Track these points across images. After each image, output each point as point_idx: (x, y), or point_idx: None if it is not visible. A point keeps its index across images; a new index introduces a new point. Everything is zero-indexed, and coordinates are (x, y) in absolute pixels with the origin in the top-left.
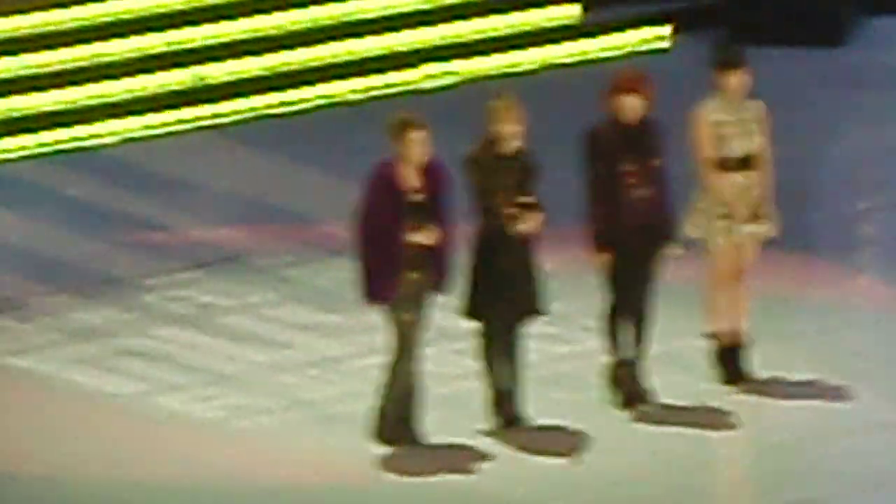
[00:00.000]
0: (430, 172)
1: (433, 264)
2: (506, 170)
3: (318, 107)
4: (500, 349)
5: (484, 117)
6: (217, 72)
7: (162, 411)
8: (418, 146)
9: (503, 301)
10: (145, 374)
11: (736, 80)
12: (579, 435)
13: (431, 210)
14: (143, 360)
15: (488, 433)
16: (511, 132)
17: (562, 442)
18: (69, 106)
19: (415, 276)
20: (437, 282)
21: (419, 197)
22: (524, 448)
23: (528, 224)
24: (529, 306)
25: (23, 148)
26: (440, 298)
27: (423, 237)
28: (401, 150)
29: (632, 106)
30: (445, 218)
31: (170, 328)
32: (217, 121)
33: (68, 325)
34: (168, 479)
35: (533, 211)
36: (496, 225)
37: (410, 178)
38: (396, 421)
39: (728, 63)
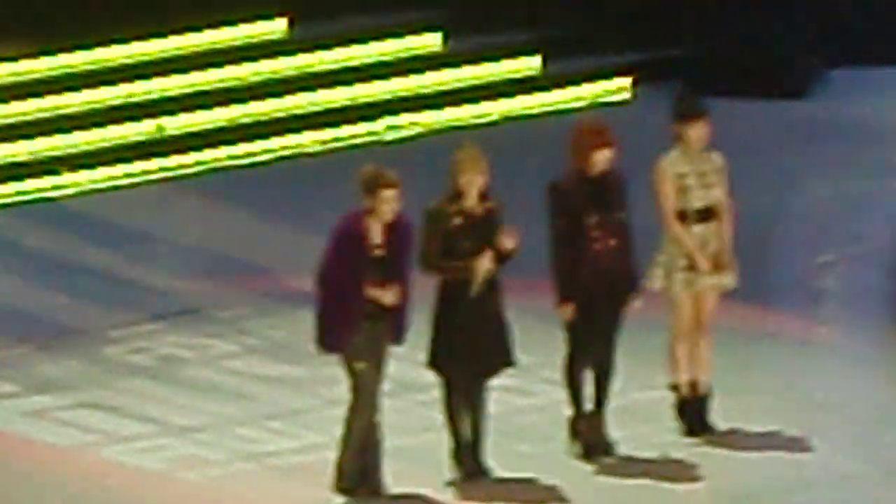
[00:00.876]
0: (396, 228)
1: (389, 315)
2: (470, 223)
3: (280, 158)
4: (463, 401)
5: (447, 169)
6: (178, 123)
7: (112, 462)
8: (389, 203)
9: (467, 353)
10: (100, 425)
11: (696, 131)
12: (542, 487)
13: (392, 265)
14: (100, 411)
15: (451, 485)
16: (475, 185)
17: (524, 494)
18: (30, 157)
19: (369, 325)
20: (393, 333)
21: (381, 252)
22: (486, 500)
23: (484, 270)
24: (494, 359)
25: None
26: (403, 350)
27: (386, 296)
28: (371, 204)
29: (604, 159)
30: (405, 272)
31: (129, 380)
32: (179, 172)
33: (27, 378)
34: None
35: (497, 262)
36: (460, 278)
37: (376, 234)
38: (356, 471)
39: (688, 114)
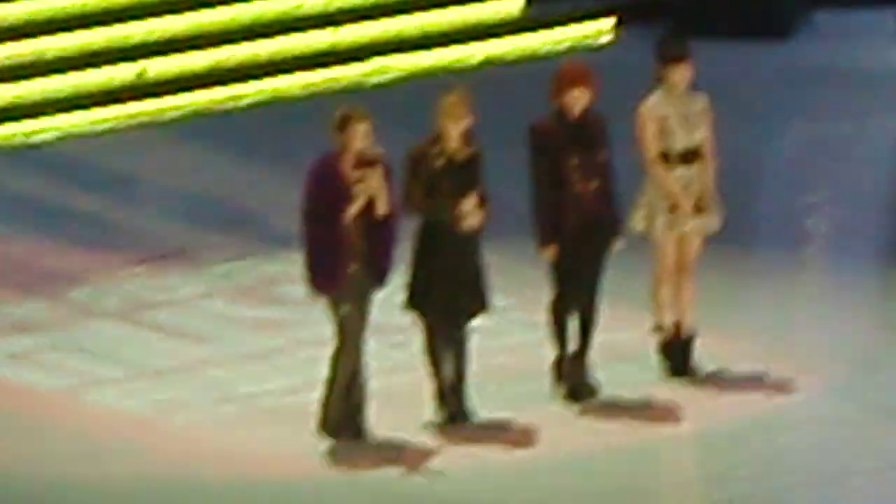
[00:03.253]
0: (373, 164)
1: (373, 257)
2: (452, 165)
3: (262, 102)
4: (444, 343)
5: (431, 113)
6: (161, 66)
7: (96, 406)
8: (360, 138)
9: (448, 295)
10: (81, 368)
11: (679, 73)
12: (525, 428)
13: (372, 202)
14: (80, 354)
15: (433, 427)
16: (458, 128)
17: (507, 436)
18: (10, 101)
19: (355, 268)
20: (377, 275)
21: (360, 188)
22: (470, 442)
23: (474, 220)
24: (475, 301)
25: None
26: (380, 292)
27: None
28: (343, 141)
29: (578, 99)
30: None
31: (106, 322)
32: (161, 116)
33: (4, 319)
34: (104, 475)
35: (479, 207)
36: (440, 220)
37: (352, 170)
38: (340, 414)
39: (671, 56)
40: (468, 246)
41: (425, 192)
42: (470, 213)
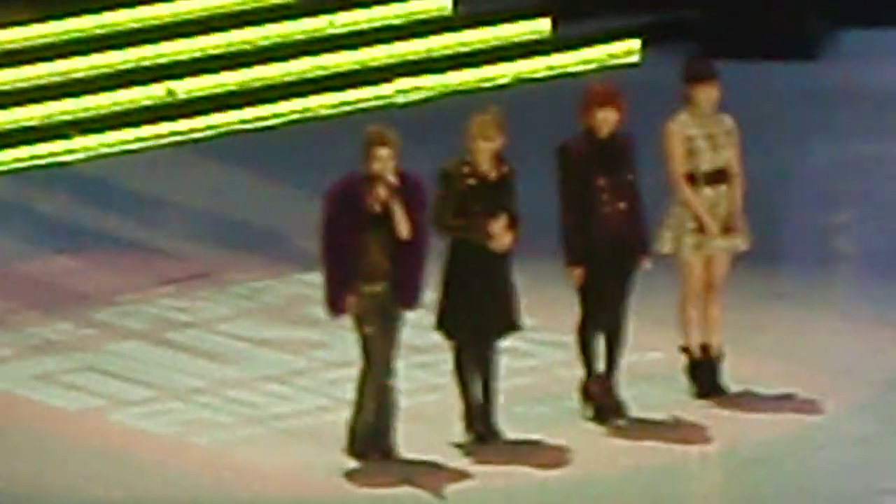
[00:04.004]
0: (402, 187)
1: (398, 279)
2: (483, 185)
3: (291, 122)
4: (474, 364)
5: (460, 133)
6: (190, 87)
7: (122, 426)
8: (383, 161)
9: (478, 316)
10: (106, 390)
11: (706, 93)
12: (553, 449)
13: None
14: (106, 376)
15: (461, 448)
16: (489, 148)
17: (536, 457)
18: (42, 121)
19: (377, 289)
20: (405, 296)
21: (382, 210)
22: (499, 462)
23: (504, 241)
24: (505, 321)
25: None
26: (409, 314)
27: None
28: (367, 164)
29: (606, 119)
30: (417, 233)
31: (132, 343)
32: (189, 136)
33: (32, 340)
34: (130, 496)
35: (510, 227)
36: (472, 240)
37: (375, 192)
38: (368, 434)
39: (698, 76)
40: (499, 266)
41: (456, 212)
42: (501, 233)
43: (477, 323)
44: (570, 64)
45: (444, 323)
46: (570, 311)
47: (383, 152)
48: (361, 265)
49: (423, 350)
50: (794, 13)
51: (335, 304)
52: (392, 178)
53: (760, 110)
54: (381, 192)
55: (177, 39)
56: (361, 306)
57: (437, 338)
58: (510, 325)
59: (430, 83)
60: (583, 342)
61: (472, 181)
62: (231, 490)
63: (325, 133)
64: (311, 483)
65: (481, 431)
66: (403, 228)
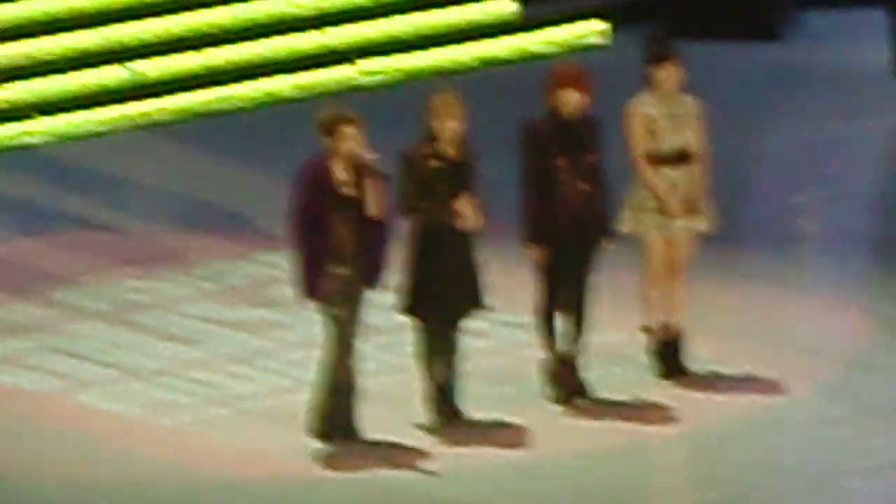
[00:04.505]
0: (363, 168)
1: (364, 260)
2: (446, 166)
3: (255, 103)
4: (438, 345)
5: (423, 113)
6: (152, 67)
7: (84, 407)
8: (349, 140)
9: (444, 296)
10: (70, 370)
11: (666, 73)
12: (516, 429)
13: (364, 205)
14: (67, 356)
15: (426, 428)
16: (451, 129)
17: (499, 437)
18: (3, 103)
19: (345, 271)
20: (369, 277)
21: (351, 192)
22: (462, 443)
23: (472, 220)
24: (472, 300)
25: None
26: (371, 294)
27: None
28: (332, 144)
29: (570, 100)
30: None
31: (94, 324)
32: (152, 117)
33: None
34: (94, 476)
35: (474, 207)
36: (436, 221)
37: (342, 173)
38: (333, 416)
39: (658, 56)
40: (464, 246)
41: (420, 194)
42: (467, 212)
43: (444, 303)
44: (536, 44)
45: (410, 304)
46: (532, 292)
47: (351, 130)
48: (330, 247)
49: (384, 331)
50: None
51: (310, 287)
52: (367, 156)
53: (725, 91)
54: (355, 170)
55: (140, 20)
56: (330, 288)
57: (399, 319)
58: (476, 304)
59: (395, 64)
60: (544, 322)
61: (434, 162)
62: (195, 471)
63: (287, 114)
64: (276, 464)
65: (444, 412)
66: (375, 207)
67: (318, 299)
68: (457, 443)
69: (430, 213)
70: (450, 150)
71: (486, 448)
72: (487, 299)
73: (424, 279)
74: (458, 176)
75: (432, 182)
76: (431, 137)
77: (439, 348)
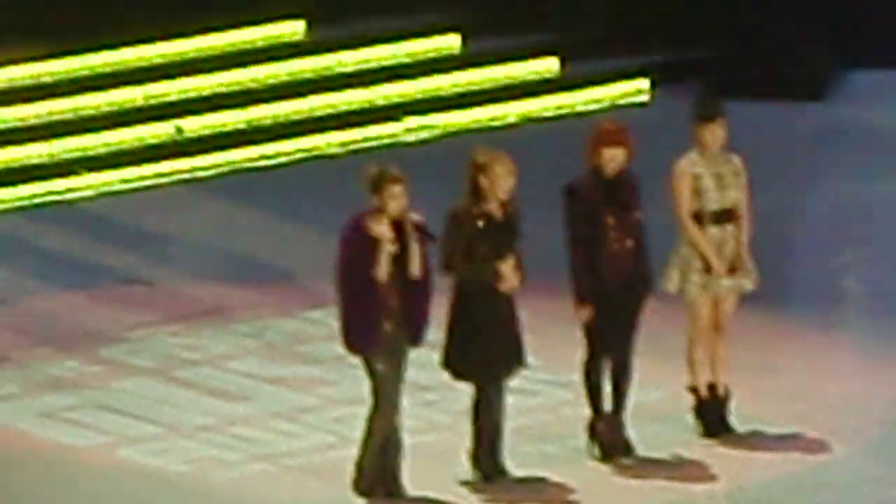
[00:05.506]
0: (408, 226)
1: (407, 317)
2: (492, 226)
3: (299, 160)
4: (482, 403)
5: (469, 170)
6: (196, 124)
7: (129, 463)
8: (395, 199)
9: (488, 354)
10: (112, 426)
11: (712, 132)
12: (560, 488)
13: (406, 262)
14: (111, 412)
15: (468, 485)
16: (503, 189)
17: (543, 495)
18: (48, 159)
19: (389, 327)
20: (412, 334)
21: (394, 249)
22: (506, 501)
23: (513, 282)
24: (514, 359)
25: (1, 201)
26: (415, 352)
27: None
28: (378, 202)
29: (614, 158)
30: (425, 272)
31: (139, 380)
32: (196, 174)
33: (38, 377)
34: None
35: (516, 268)
36: (478, 281)
37: (386, 231)
38: (375, 472)
39: (705, 115)
40: (506, 304)
41: (464, 253)
42: (509, 274)
43: (487, 361)
44: (578, 103)
45: (453, 362)
46: (576, 351)
47: (397, 189)
48: (374, 303)
49: (428, 388)
50: (803, 54)
51: (354, 342)
52: (415, 217)
53: (769, 150)
54: (399, 228)
55: (184, 77)
56: (375, 343)
57: (442, 376)
58: (519, 362)
59: (438, 122)
60: (589, 381)
61: (481, 222)
62: None
63: (331, 171)
64: None
65: (489, 469)
66: (416, 267)
67: (363, 355)
68: (500, 501)
69: (471, 273)
70: (497, 211)
71: None
72: (531, 359)
73: (469, 337)
74: (502, 236)
75: (476, 242)
76: (479, 196)
77: (483, 406)
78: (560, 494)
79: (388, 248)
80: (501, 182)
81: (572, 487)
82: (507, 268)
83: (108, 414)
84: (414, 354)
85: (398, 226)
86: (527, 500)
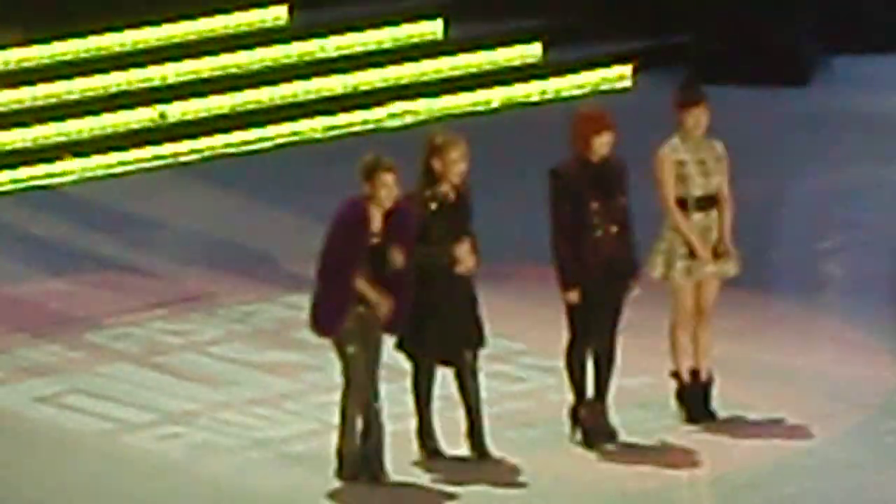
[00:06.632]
0: (393, 216)
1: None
2: (445, 209)
3: (283, 145)
4: (428, 382)
5: (423, 153)
6: (180, 110)
7: (111, 448)
8: (388, 188)
9: (445, 335)
10: (94, 411)
11: (694, 117)
12: (544, 473)
13: (386, 253)
14: (94, 398)
15: (417, 465)
16: (457, 172)
17: (523, 479)
18: (31, 144)
19: (361, 310)
20: (389, 321)
21: (377, 240)
22: (487, 484)
23: (469, 264)
24: (473, 337)
25: None
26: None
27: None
28: (370, 191)
29: (605, 143)
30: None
31: (122, 366)
32: (180, 159)
33: (24, 363)
34: None
35: (472, 250)
36: (434, 262)
37: (376, 221)
38: (357, 457)
39: (686, 101)
40: (463, 287)
41: (419, 236)
42: (465, 257)
43: (442, 343)
44: (561, 89)
45: (408, 345)
46: (560, 336)
47: (389, 178)
48: (352, 287)
49: (408, 374)
50: (787, 38)
51: (322, 324)
52: (403, 207)
53: (753, 135)
54: (385, 217)
55: (168, 63)
56: (346, 326)
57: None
58: (478, 343)
59: (422, 107)
60: (572, 366)
61: (434, 204)
62: None
63: (315, 156)
64: None
65: (475, 452)
66: (400, 259)
67: (327, 337)
68: (482, 483)
69: (427, 256)
70: (450, 193)
71: (510, 490)
72: (515, 344)
73: (426, 319)
74: (456, 219)
75: (431, 224)
76: (432, 179)
77: (421, 384)
78: (544, 480)
79: (374, 240)
80: (454, 165)
81: (557, 473)
82: (462, 250)
83: (93, 399)
84: (392, 340)
85: (387, 214)
86: (508, 485)
